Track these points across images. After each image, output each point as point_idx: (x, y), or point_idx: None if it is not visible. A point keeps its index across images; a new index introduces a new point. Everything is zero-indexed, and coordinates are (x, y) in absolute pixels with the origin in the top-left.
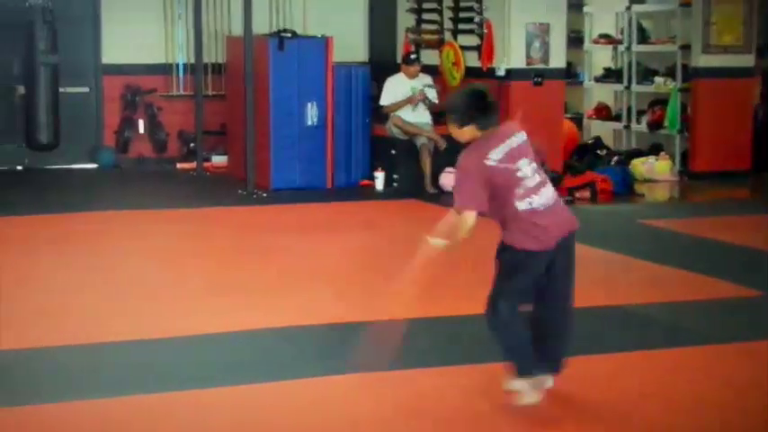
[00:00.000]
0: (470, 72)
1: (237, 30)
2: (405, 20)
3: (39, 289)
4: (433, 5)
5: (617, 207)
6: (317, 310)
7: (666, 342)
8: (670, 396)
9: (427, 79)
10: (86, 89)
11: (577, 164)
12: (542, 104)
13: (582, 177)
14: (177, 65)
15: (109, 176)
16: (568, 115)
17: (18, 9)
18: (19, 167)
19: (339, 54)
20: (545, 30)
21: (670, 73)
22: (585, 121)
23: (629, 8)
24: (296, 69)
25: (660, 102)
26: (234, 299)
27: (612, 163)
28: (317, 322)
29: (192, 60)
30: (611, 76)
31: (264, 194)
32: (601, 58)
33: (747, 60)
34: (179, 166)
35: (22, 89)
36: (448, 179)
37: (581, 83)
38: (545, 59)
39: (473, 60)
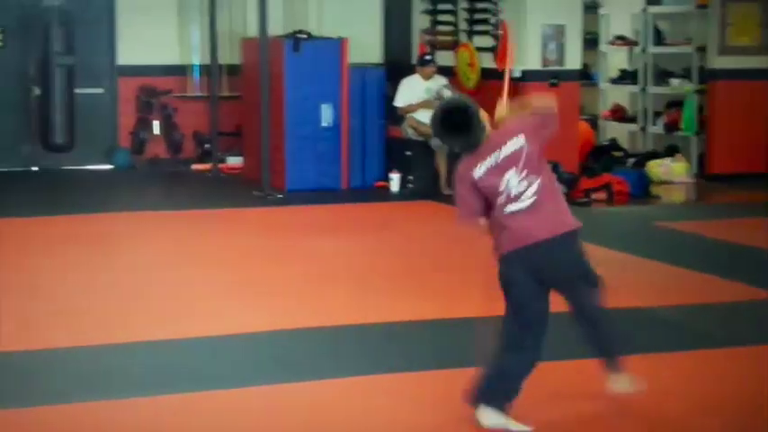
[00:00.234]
0: (486, 73)
1: (253, 31)
2: (420, 21)
3: (55, 290)
4: (449, 7)
5: (633, 209)
6: (335, 311)
7: (680, 345)
8: (684, 398)
9: (442, 81)
10: (101, 90)
11: (593, 165)
12: (558, 106)
13: (598, 179)
14: (192, 66)
15: (124, 177)
16: (584, 117)
17: (34, 10)
18: (34, 168)
19: (354, 55)
20: (561, 31)
21: (686, 74)
22: (601, 122)
23: (645, 9)
24: (311, 71)
25: (676, 103)
26: (250, 300)
27: (629, 165)
28: (334, 324)
29: (208, 62)
30: (626, 77)
31: (279, 196)
32: (616, 59)
33: (764, 62)
34: (194, 167)
35: (37, 90)
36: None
37: (596, 84)
38: (560, 61)
39: (488, 62)
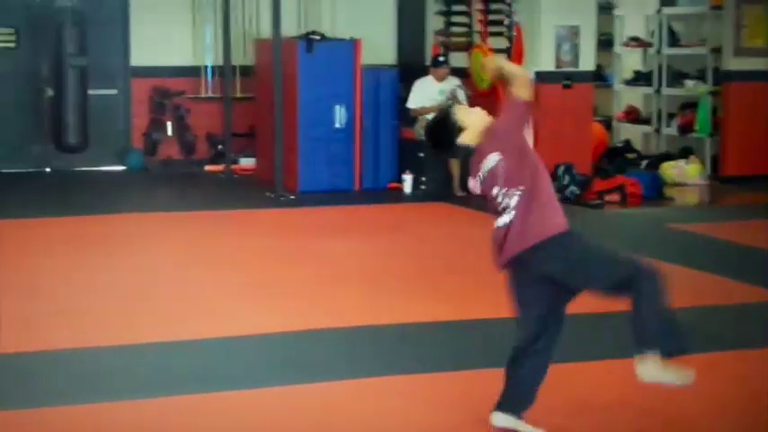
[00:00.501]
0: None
1: (266, 32)
2: (434, 22)
3: (66, 291)
4: (462, 8)
5: (646, 211)
6: (347, 312)
7: (694, 347)
8: (694, 400)
9: (456, 82)
10: (115, 91)
11: (607, 167)
12: (571, 107)
13: (611, 181)
14: (206, 67)
15: (137, 178)
16: (598, 118)
17: (47, 11)
18: (47, 169)
19: (367, 57)
20: (575, 32)
21: (700, 76)
22: (615, 124)
23: (659, 11)
24: (324, 72)
25: (690, 105)
26: (263, 301)
27: (642, 166)
28: (347, 325)
29: (221, 63)
30: (641, 78)
31: (292, 197)
32: (631, 60)
33: None
34: (207, 168)
35: (50, 91)
36: (477, 184)
37: (610, 86)
38: (574, 62)
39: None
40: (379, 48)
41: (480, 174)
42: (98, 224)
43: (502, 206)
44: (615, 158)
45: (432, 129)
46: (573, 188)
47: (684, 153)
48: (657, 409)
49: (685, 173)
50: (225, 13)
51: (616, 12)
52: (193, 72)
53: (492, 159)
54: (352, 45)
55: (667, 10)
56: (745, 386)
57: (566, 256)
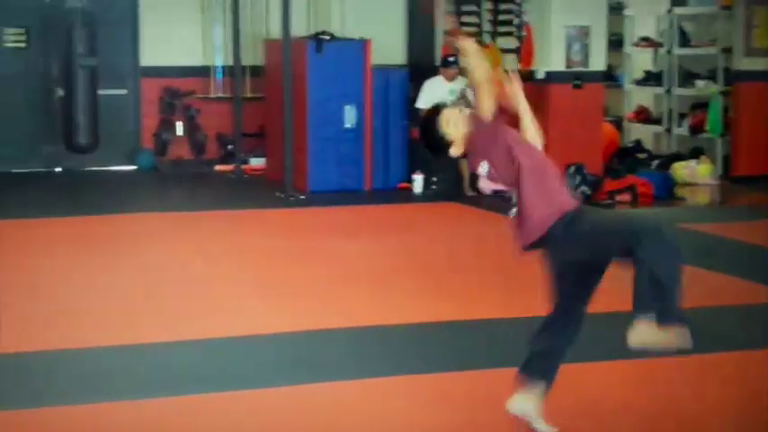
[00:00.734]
0: None
1: (275, 32)
2: (443, 22)
3: (76, 290)
4: (472, 8)
5: (657, 211)
6: (357, 312)
7: (700, 347)
8: (702, 400)
9: (465, 82)
10: (125, 91)
11: (618, 167)
12: (582, 107)
13: (622, 181)
14: (215, 67)
15: (147, 178)
16: (608, 118)
17: (57, 12)
18: (57, 169)
19: (377, 56)
20: (585, 32)
21: (711, 76)
22: (626, 124)
23: (670, 11)
24: (334, 72)
25: (701, 105)
26: (273, 301)
27: (653, 166)
28: (357, 325)
29: (231, 63)
30: (651, 79)
31: (302, 197)
32: (641, 60)
33: None
34: (217, 168)
35: (60, 91)
36: (486, 183)
37: (621, 86)
38: (585, 62)
39: (512, 63)
40: (389, 48)
41: (483, 175)
42: (111, 224)
43: (513, 201)
44: (626, 159)
45: (422, 135)
46: (584, 188)
47: (695, 153)
48: (659, 410)
49: (696, 173)
50: (234, 13)
51: (627, 12)
52: (203, 72)
53: (483, 166)
54: (362, 45)
55: (678, 10)
56: (754, 386)
57: (575, 235)
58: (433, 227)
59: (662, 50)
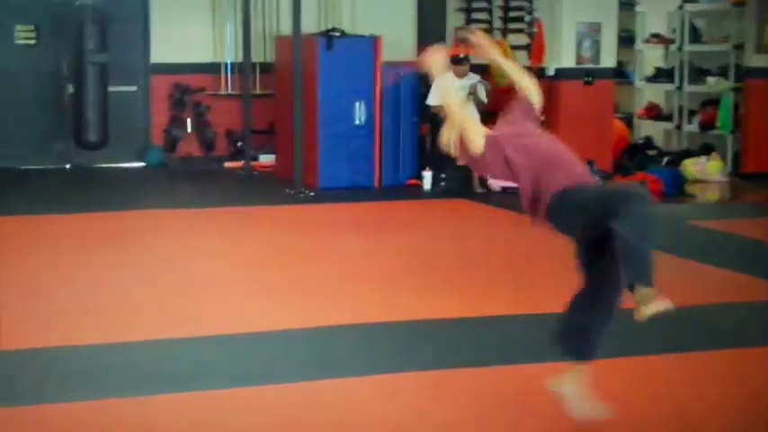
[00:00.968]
0: None
1: (286, 29)
2: (454, 19)
3: (85, 287)
4: (483, 5)
5: (667, 208)
6: (368, 309)
7: (710, 343)
8: (705, 400)
9: (476, 79)
10: (135, 88)
11: (628, 164)
12: (592, 104)
13: (632, 177)
14: (226, 64)
15: (157, 175)
16: (619, 115)
17: (67, 8)
18: (67, 166)
19: (387, 53)
20: (596, 29)
21: (722, 73)
22: (636, 120)
23: (681, 7)
24: (344, 69)
25: (712, 102)
26: (284, 297)
27: (663, 163)
28: (367, 321)
29: (241, 60)
30: (662, 75)
31: (312, 193)
32: (652, 57)
33: None
34: (227, 165)
35: (70, 88)
36: (494, 180)
37: (632, 82)
38: (595, 59)
39: (523, 60)
40: (400, 44)
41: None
42: (120, 221)
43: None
44: (636, 155)
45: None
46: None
47: (705, 150)
48: (658, 409)
49: (706, 170)
50: (245, 10)
51: (638, 8)
52: (213, 69)
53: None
54: (373, 42)
55: (689, 6)
56: (756, 386)
57: (566, 208)
58: (443, 224)
59: (673, 47)
